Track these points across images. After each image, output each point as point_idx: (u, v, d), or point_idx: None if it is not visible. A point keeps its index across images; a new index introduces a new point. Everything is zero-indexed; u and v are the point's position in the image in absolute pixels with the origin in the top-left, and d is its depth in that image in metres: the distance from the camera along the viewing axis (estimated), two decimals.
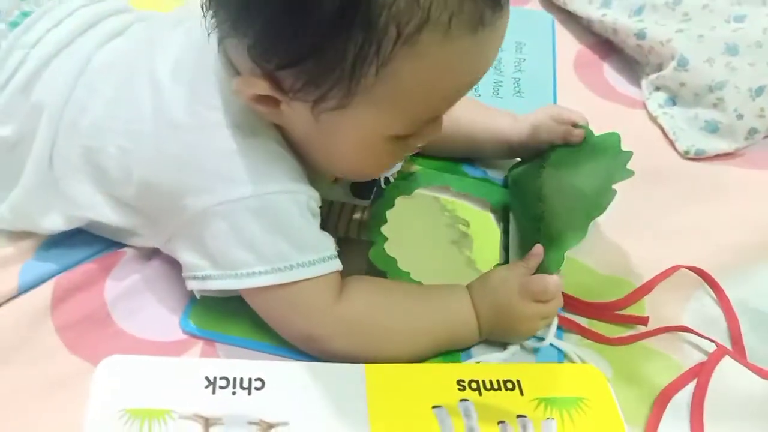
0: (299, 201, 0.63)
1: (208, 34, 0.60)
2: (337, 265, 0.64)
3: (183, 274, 0.66)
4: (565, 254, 0.68)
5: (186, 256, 0.65)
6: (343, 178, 0.74)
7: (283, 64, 0.56)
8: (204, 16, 0.60)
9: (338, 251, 0.65)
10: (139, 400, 0.58)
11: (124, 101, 0.66)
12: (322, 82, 0.56)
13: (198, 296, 0.67)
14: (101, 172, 0.67)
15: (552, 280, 0.66)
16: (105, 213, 0.68)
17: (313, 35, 0.53)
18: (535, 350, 0.68)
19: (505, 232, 0.78)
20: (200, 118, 0.62)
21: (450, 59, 0.54)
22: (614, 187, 0.68)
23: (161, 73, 0.64)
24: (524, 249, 0.71)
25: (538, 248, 0.69)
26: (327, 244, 0.65)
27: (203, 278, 0.64)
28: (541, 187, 0.75)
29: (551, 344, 0.68)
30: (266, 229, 0.61)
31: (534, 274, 0.68)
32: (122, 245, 0.72)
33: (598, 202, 0.68)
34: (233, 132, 0.61)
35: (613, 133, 0.72)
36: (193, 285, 0.65)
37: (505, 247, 0.77)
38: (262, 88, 0.58)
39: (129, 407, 0.57)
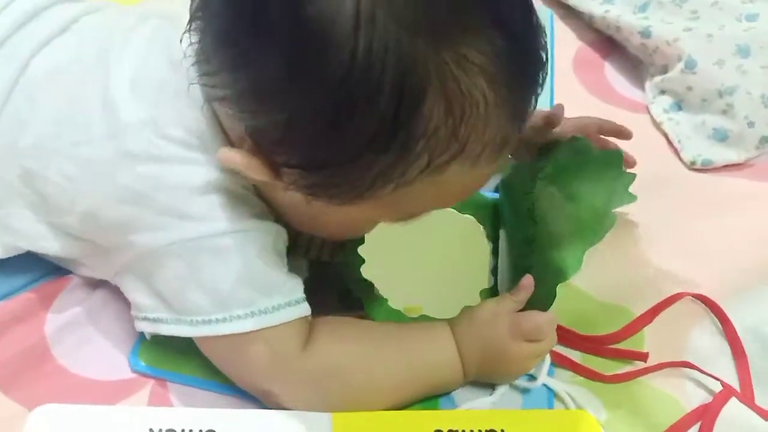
0: (263, 240, 0.57)
1: (188, 85, 0.54)
2: (304, 310, 0.58)
3: (132, 313, 0.61)
4: (557, 287, 0.62)
5: (136, 295, 0.59)
6: None
7: (293, 164, 0.50)
8: (193, 65, 0.53)
9: (308, 278, 0.60)
10: None
11: (71, 119, 0.59)
12: (332, 189, 0.51)
13: (148, 337, 0.61)
14: (41, 198, 0.60)
15: (545, 318, 0.61)
16: (47, 244, 0.62)
17: (341, 152, 0.48)
18: (524, 390, 0.63)
19: (494, 253, 0.73)
20: (160, 149, 0.56)
21: (470, 180, 0.54)
22: None
23: (116, 87, 0.57)
24: (514, 275, 0.66)
25: (528, 279, 0.63)
26: (294, 286, 0.59)
27: (155, 321, 0.58)
28: (533, 203, 0.70)
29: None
30: (225, 272, 0.56)
31: (526, 307, 0.63)
32: (66, 271, 0.66)
33: (595, 228, 0.64)
34: (195, 169, 0.56)
35: (616, 150, 0.67)
36: (143, 327, 0.60)
37: (494, 271, 0.72)
38: (256, 170, 0.52)
39: None
